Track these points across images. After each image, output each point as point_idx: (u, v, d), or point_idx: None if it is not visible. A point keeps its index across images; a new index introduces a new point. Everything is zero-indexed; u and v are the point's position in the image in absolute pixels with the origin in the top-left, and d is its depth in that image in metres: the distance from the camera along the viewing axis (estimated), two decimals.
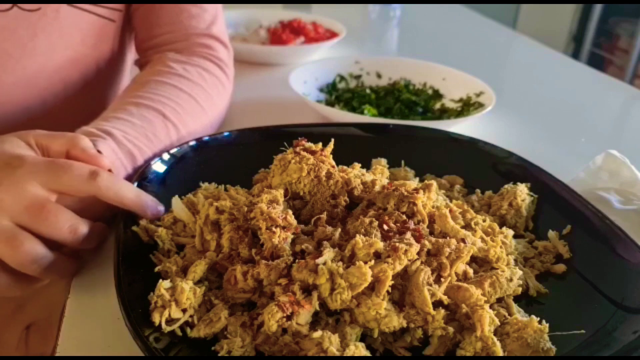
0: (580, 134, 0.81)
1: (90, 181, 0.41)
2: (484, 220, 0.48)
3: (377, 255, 0.38)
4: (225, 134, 0.59)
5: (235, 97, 0.75)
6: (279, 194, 0.44)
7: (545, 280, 0.45)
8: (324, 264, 0.37)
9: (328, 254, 0.38)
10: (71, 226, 0.40)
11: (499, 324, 0.38)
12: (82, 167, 0.41)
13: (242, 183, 0.53)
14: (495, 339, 0.36)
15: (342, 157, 0.50)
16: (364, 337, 0.38)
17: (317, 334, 0.34)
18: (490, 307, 0.39)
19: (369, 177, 0.49)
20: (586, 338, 0.38)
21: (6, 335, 0.58)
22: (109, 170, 0.45)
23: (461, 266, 0.41)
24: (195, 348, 0.36)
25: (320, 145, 0.49)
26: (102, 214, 0.46)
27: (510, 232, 0.47)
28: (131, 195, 0.44)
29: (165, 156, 0.53)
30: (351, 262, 0.37)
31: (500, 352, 0.35)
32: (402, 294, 0.39)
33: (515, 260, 0.46)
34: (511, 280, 0.41)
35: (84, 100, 0.68)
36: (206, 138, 0.57)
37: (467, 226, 0.46)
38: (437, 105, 0.86)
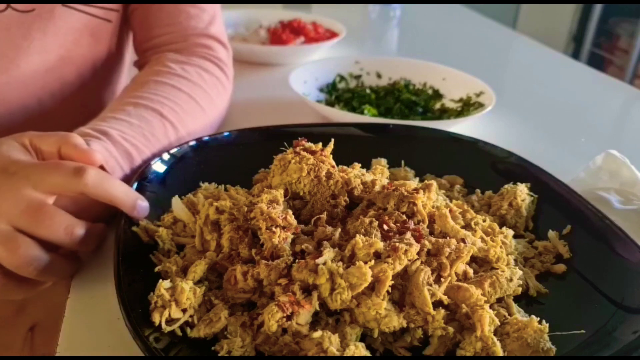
0: (580, 134, 0.81)
1: (77, 178, 0.40)
2: (484, 220, 0.48)
3: (377, 255, 0.38)
4: (225, 134, 0.59)
5: (235, 97, 0.75)
6: (279, 194, 0.44)
7: (545, 280, 0.45)
8: (324, 264, 0.37)
9: (328, 254, 0.38)
10: (67, 227, 0.40)
11: (499, 324, 0.38)
12: (68, 165, 0.41)
13: (242, 183, 0.53)
14: (495, 339, 0.36)
15: (342, 157, 0.50)
16: (364, 337, 0.38)
17: (317, 334, 0.34)
18: (490, 307, 0.39)
19: (369, 177, 0.49)
20: (586, 338, 0.38)
21: (10, 337, 0.58)
22: (102, 167, 0.44)
23: (461, 266, 0.41)
24: (195, 348, 0.36)
25: (320, 145, 0.49)
26: (101, 214, 0.46)
27: (510, 232, 0.47)
28: (119, 192, 0.43)
29: (165, 156, 0.53)
30: (351, 262, 0.37)
31: (500, 352, 0.35)
32: (402, 294, 0.39)
33: (515, 260, 0.46)
34: (511, 280, 0.41)
35: (82, 100, 0.68)
36: (206, 138, 0.57)
37: (467, 226, 0.46)
38: (437, 105, 0.85)
